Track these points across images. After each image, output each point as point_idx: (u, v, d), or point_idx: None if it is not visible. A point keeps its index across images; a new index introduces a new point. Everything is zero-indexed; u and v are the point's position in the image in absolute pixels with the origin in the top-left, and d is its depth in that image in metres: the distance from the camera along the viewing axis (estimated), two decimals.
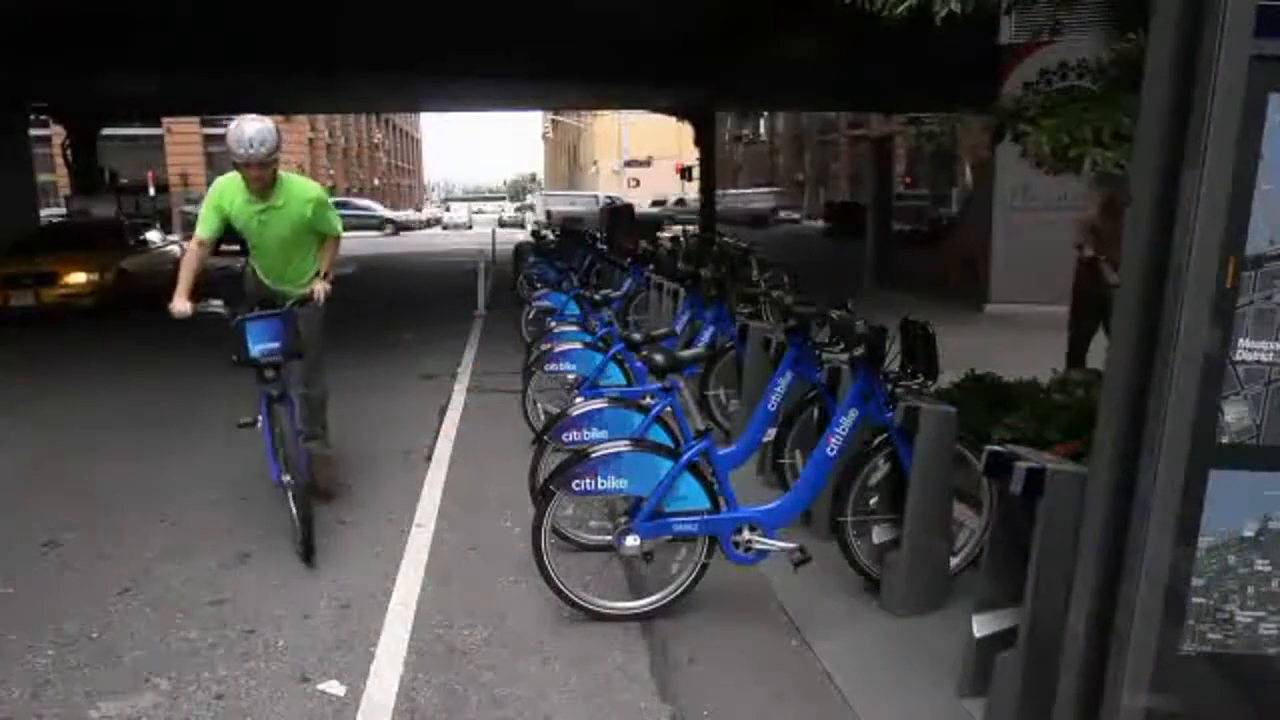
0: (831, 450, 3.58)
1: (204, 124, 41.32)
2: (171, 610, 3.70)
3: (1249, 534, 1.84)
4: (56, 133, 26.62)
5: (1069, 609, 2.03)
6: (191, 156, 42.19)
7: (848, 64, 15.60)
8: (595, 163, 55.39)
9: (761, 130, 56.86)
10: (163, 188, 37.93)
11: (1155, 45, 1.76)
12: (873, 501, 3.59)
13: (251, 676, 3.19)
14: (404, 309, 14.26)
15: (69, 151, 24.82)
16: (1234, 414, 1.79)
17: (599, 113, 49.73)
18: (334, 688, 3.11)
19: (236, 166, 4.30)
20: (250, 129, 4.16)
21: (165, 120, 38.22)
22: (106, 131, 26.33)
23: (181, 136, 41.16)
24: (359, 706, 3.00)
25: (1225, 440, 1.80)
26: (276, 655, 3.33)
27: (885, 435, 3.56)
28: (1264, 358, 1.77)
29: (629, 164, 48.44)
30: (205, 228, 4.46)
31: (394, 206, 50.18)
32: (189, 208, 36.40)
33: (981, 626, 2.76)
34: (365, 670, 3.21)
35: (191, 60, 16.42)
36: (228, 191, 4.46)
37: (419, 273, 21.08)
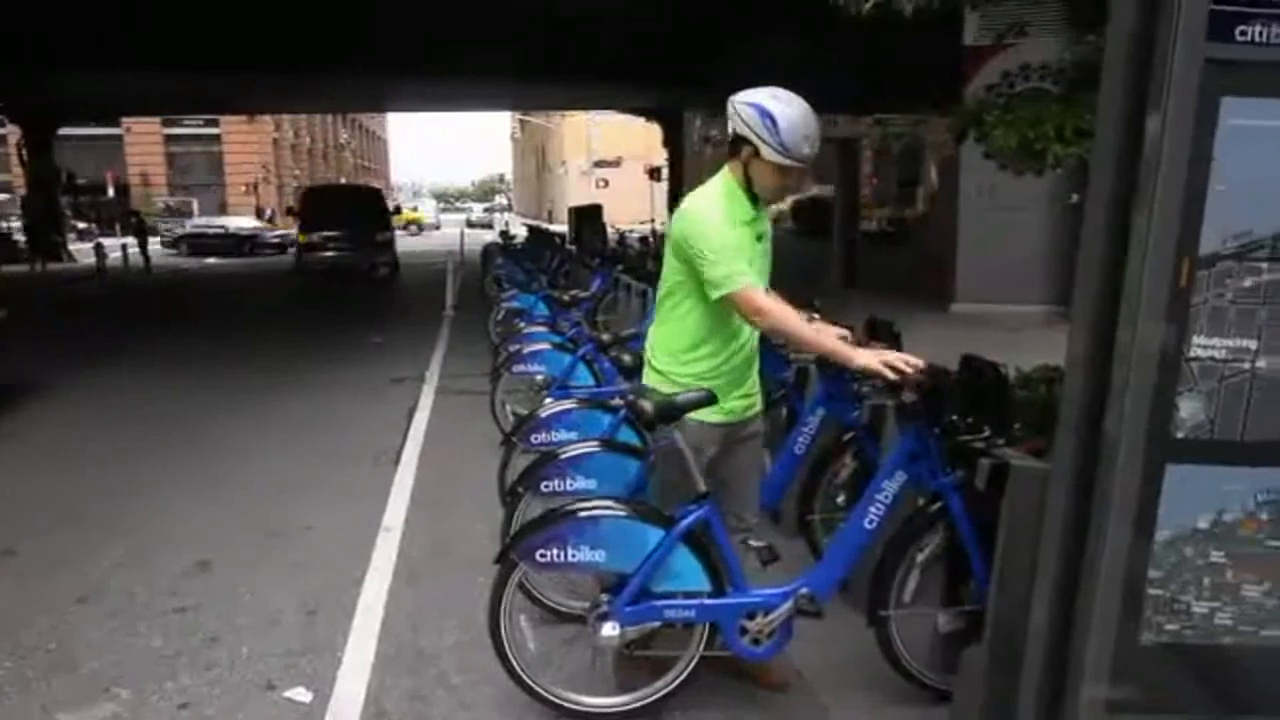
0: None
1: (165, 124, 40.64)
2: (132, 619, 3.64)
3: (1204, 526, 1.88)
4: (12, 131, 26.07)
5: (1032, 602, 2.05)
6: (152, 157, 41.49)
7: (817, 65, 15.72)
8: (564, 163, 55.22)
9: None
10: (123, 189, 37.29)
11: (1111, 48, 1.79)
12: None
13: (215, 685, 3.14)
14: (371, 310, 14.14)
15: (23, 151, 24.37)
16: (1188, 410, 1.83)
17: (568, 114, 49.61)
18: (300, 695, 3.07)
19: (755, 166, 2.65)
20: (809, 111, 2.63)
21: (125, 120, 37.55)
22: (63, 131, 25.83)
23: (142, 136, 40.45)
24: (326, 713, 2.96)
25: (1181, 435, 1.83)
26: (241, 663, 3.28)
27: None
28: (1217, 354, 1.81)
29: (598, 165, 48.36)
30: (742, 273, 2.63)
31: None
32: (150, 201, 35.93)
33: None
34: (332, 676, 3.17)
35: (152, 59, 16.14)
36: (717, 212, 2.70)
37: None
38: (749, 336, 2.83)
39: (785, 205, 28.82)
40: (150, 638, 3.48)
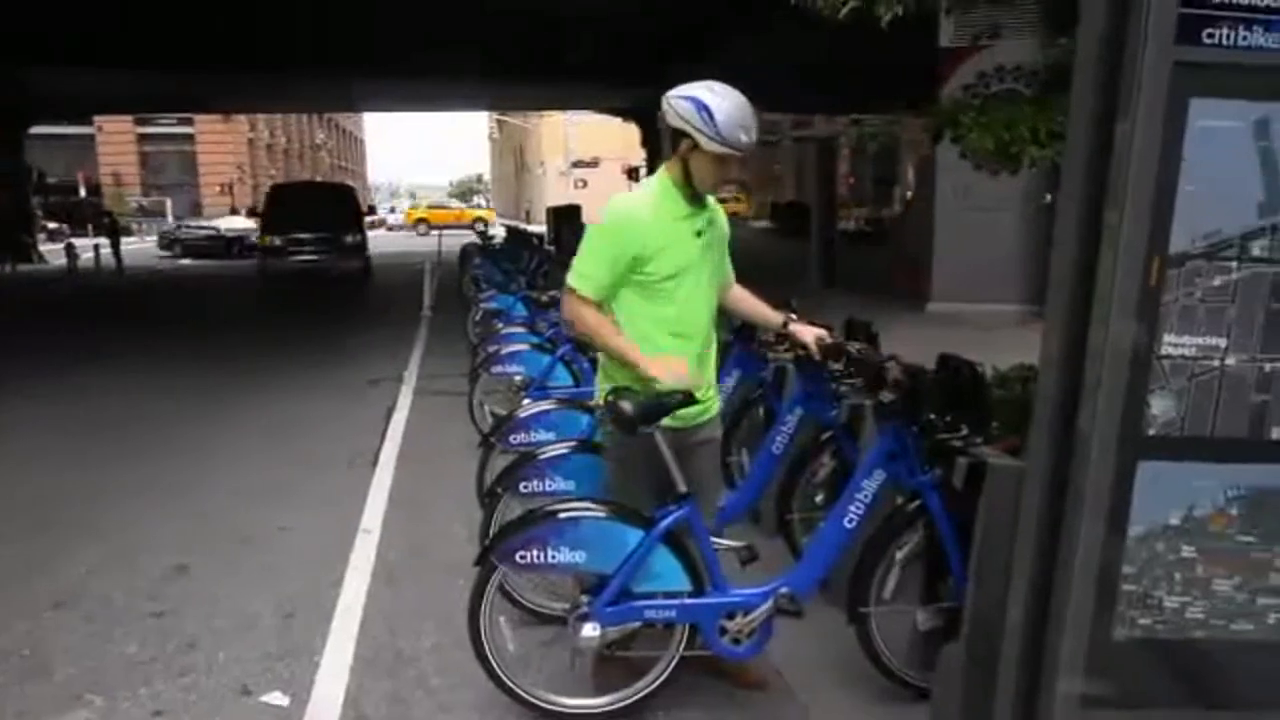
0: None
1: (138, 123, 40.17)
2: (108, 624, 3.59)
3: (1175, 522, 1.91)
4: None
5: (1009, 599, 2.07)
6: (125, 156, 40.99)
7: (795, 67, 15.78)
8: (542, 164, 55.14)
9: None
10: (95, 188, 36.87)
11: (1082, 51, 1.82)
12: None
13: (191, 691, 3.10)
14: (348, 311, 14.05)
15: None
16: (1160, 407, 1.85)
17: (545, 114, 49.55)
18: (277, 699, 3.05)
19: (694, 159, 2.65)
20: (745, 102, 2.63)
21: (97, 119, 37.09)
22: (34, 130, 25.49)
23: (114, 136, 39.95)
24: (304, 717, 2.94)
25: (1152, 432, 1.86)
26: (218, 668, 3.25)
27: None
28: (1187, 353, 1.84)
29: (576, 165, 48.34)
30: (597, 285, 2.70)
31: None
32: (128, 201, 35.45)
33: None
34: (310, 680, 3.15)
35: (126, 58, 15.94)
36: (641, 216, 2.70)
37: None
38: (699, 337, 2.78)
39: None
40: (126, 643, 3.44)
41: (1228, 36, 1.72)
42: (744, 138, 2.60)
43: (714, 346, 2.89)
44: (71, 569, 4.12)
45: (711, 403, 2.89)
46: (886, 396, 2.80)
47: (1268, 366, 1.85)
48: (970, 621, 2.59)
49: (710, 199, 2.82)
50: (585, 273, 2.71)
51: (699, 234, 2.75)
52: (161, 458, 5.92)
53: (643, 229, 2.67)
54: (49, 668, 3.26)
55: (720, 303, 3.04)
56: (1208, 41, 1.72)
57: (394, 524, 4.64)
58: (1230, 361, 1.84)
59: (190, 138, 41.86)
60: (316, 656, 3.30)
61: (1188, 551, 1.92)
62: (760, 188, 39.00)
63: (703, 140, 2.58)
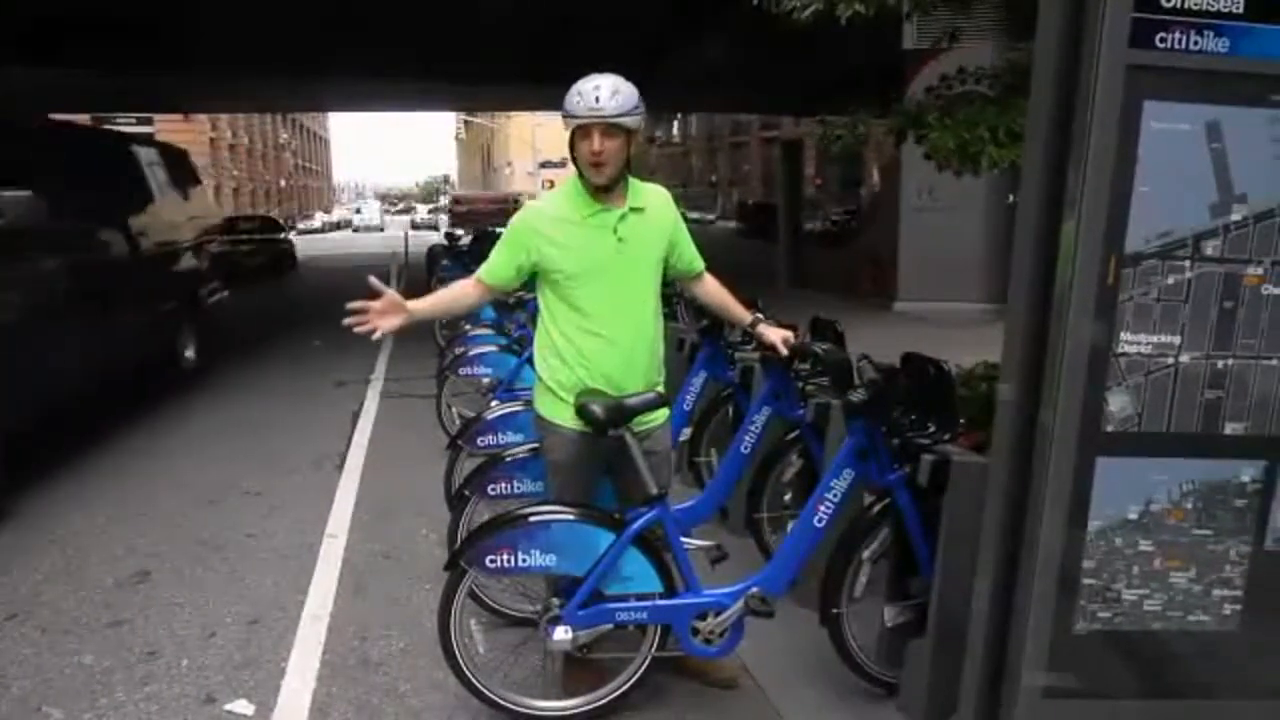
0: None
1: (95, 121, 39.35)
2: (64, 634, 3.52)
3: (1133, 517, 1.95)
4: None
5: (973, 593, 2.10)
6: None
7: (759, 68, 15.85)
8: (510, 164, 55.08)
9: (675, 132, 57.33)
10: None
11: (1040, 54, 1.85)
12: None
13: (153, 701, 3.05)
14: (313, 313, 13.88)
15: None
16: (1117, 404, 1.89)
17: (511, 114, 49.42)
18: (242, 707, 3.00)
19: (573, 146, 2.64)
20: (596, 77, 2.59)
21: (54, 117, 36.32)
22: None
23: None
24: None
25: (1110, 429, 1.90)
26: (180, 677, 3.20)
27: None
28: (1143, 350, 1.88)
29: (543, 165, 48.28)
30: (492, 271, 2.77)
31: (302, 209, 49.17)
32: None
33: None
34: (276, 687, 3.10)
35: (80, 55, 15.61)
36: (543, 215, 2.74)
37: (329, 277, 20.53)
38: (622, 339, 2.70)
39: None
40: (83, 654, 3.37)
41: (1180, 41, 1.76)
42: (578, 99, 2.56)
43: (650, 351, 2.78)
44: (25, 578, 4.03)
45: (652, 412, 2.77)
46: (856, 395, 2.81)
47: (1220, 363, 1.89)
48: (936, 615, 2.63)
49: (643, 194, 2.75)
50: (488, 261, 2.81)
51: (614, 231, 2.67)
52: (117, 462, 5.80)
53: (539, 229, 2.69)
54: (4, 680, 3.19)
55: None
56: (1160, 46, 1.75)
57: (361, 528, 4.59)
58: (1184, 359, 1.89)
59: (150, 137, 41.17)
60: (283, 663, 3.26)
61: (1145, 545, 1.96)
62: (729, 188, 39.14)
63: (565, 126, 2.62)
